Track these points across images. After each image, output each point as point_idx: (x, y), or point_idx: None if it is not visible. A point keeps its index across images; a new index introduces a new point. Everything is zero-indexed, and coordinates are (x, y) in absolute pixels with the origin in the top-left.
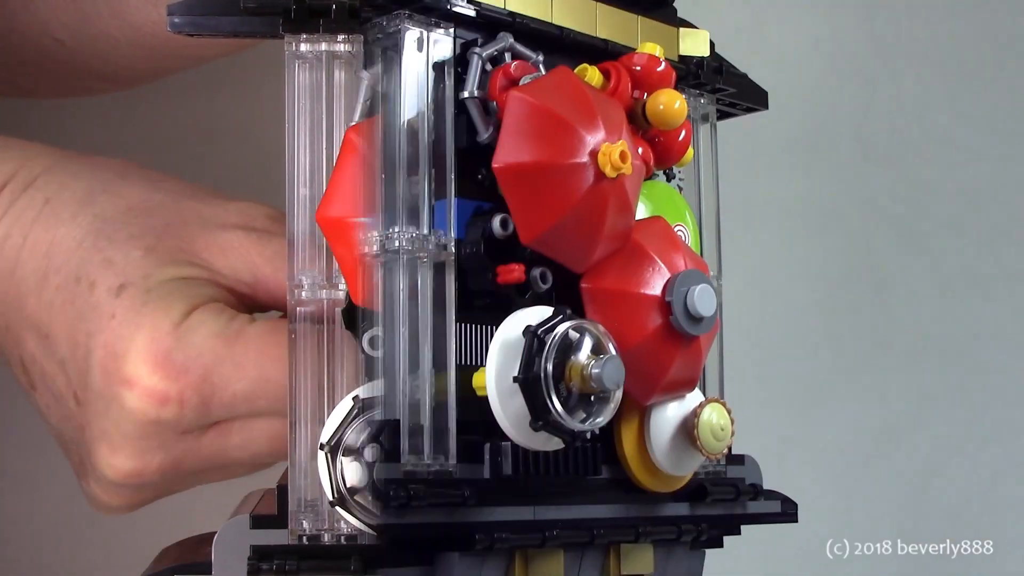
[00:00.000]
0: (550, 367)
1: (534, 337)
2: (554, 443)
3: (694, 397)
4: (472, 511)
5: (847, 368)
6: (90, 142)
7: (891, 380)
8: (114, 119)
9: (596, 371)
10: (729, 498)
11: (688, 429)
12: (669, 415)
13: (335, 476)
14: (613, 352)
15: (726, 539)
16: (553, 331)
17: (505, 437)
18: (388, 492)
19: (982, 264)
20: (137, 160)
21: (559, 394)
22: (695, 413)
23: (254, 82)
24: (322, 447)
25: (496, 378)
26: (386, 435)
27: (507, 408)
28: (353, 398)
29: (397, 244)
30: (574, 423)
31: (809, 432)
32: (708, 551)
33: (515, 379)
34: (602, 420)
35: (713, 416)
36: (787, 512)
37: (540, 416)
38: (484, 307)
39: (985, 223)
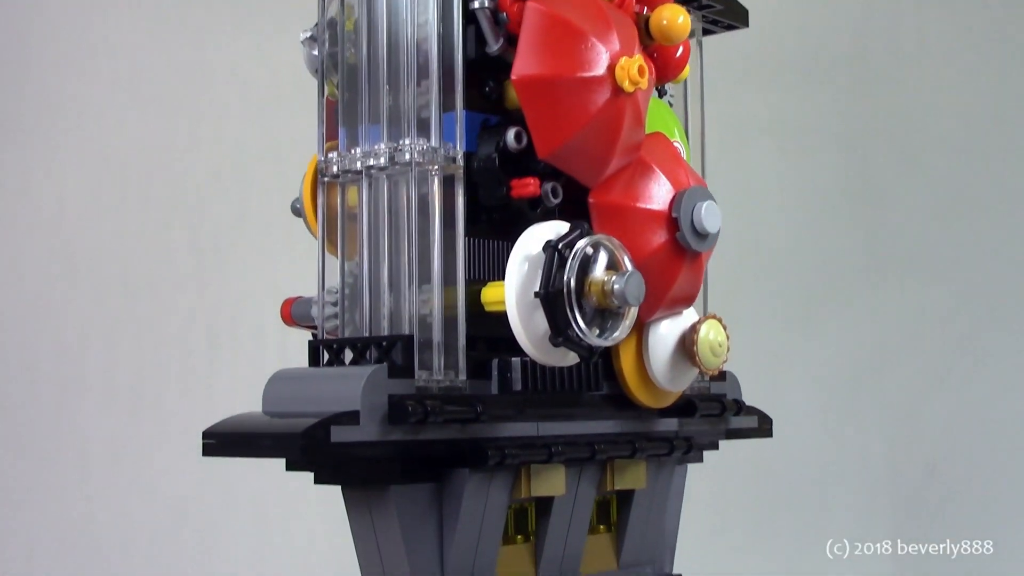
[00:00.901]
0: (572, 282)
1: (555, 252)
2: (570, 359)
3: (690, 314)
4: (483, 427)
5: (841, 286)
6: None
7: (885, 298)
8: None
9: (619, 287)
10: (715, 413)
11: (687, 346)
12: (667, 332)
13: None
14: (631, 267)
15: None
16: (574, 246)
17: (512, 353)
18: (406, 408)
19: (979, 183)
20: None
21: (581, 310)
22: (694, 330)
23: None
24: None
25: (516, 293)
26: (399, 351)
27: (526, 323)
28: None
29: (408, 157)
30: (593, 338)
31: (802, 350)
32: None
33: (536, 294)
34: (619, 335)
35: (711, 333)
36: (763, 428)
37: (561, 331)
38: (493, 222)
39: (982, 142)
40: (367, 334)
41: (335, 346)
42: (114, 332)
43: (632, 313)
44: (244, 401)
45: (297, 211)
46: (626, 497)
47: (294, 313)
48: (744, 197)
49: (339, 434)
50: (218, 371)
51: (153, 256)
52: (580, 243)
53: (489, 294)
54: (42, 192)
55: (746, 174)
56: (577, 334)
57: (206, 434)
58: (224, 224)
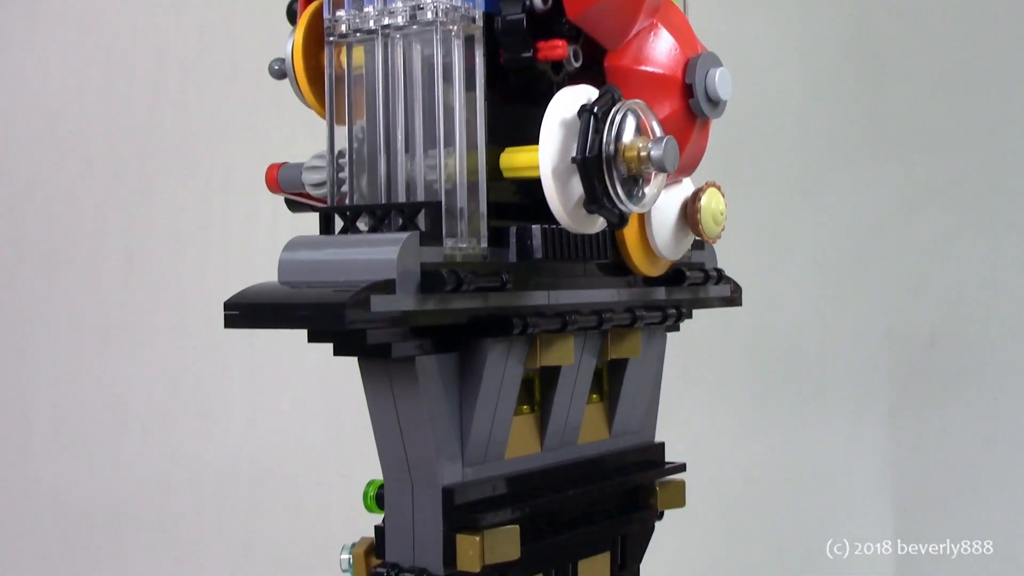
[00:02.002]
0: (611, 147)
1: (591, 117)
2: (598, 225)
3: (687, 183)
4: (506, 296)
5: (842, 156)
6: None
7: (886, 170)
8: None
9: (656, 153)
10: (699, 282)
11: (690, 214)
12: (669, 200)
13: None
14: (661, 133)
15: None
16: (610, 111)
17: (528, 220)
18: (442, 276)
19: (985, 54)
20: None
21: (617, 175)
22: (696, 198)
23: None
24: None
25: (551, 158)
26: (425, 217)
27: (561, 189)
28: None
29: (430, 16)
30: (628, 204)
31: (801, 221)
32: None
33: (573, 160)
34: (647, 202)
35: (712, 201)
36: (734, 297)
37: (596, 198)
38: (515, 84)
39: (989, 11)
40: (383, 200)
41: (349, 213)
42: (103, 203)
43: (662, 180)
44: (238, 270)
45: (279, 72)
46: (616, 367)
47: (281, 179)
48: (744, 64)
49: (379, 303)
50: (209, 241)
51: (140, 123)
52: (616, 108)
53: (518, 159)
54: (24, 58)
55: (745, 40)
56: (613, 200)
57: (228, 305)
58: (213, 88)
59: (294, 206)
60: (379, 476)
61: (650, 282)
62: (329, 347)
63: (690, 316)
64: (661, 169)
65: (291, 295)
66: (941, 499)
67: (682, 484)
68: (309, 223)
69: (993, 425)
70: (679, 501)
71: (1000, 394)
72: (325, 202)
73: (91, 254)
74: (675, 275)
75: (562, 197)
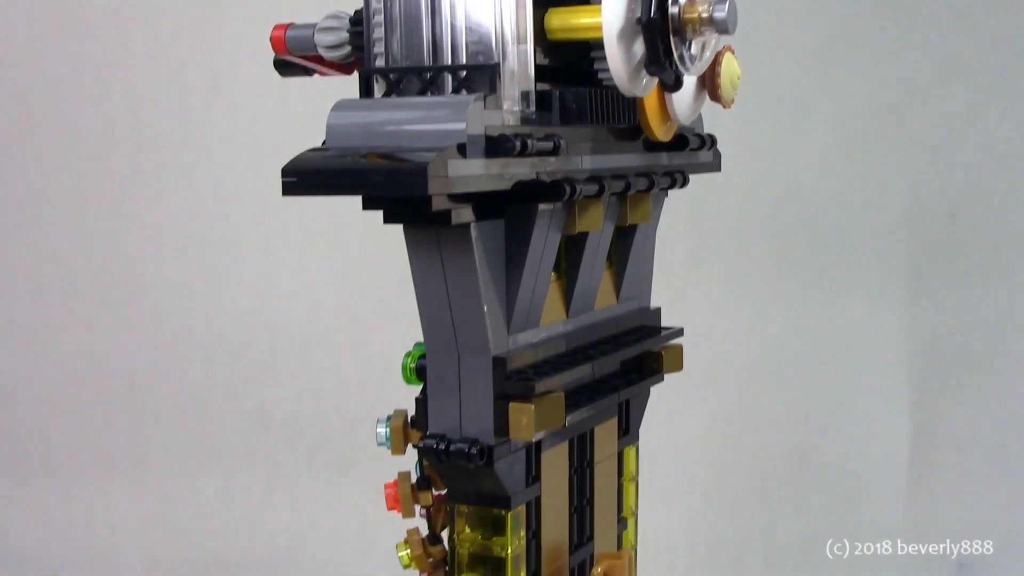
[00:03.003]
0: (675, 8)
1: None
2: (648, 87)
3: None
4: (553, 160)
5: (866, 26)
6: None
7: (911, 41)
8: None
9: (720, 14)
10: (697, 147)
11: (710, 78)
12: None
13: None
14: None
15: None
16: None
17: (569, 83)
18: (508, 140)
19: None
20: None
21: (678, 38)
22: (716, 62)
23: None
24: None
25: (615, 19)
26: (481, 79)
27: (624, 51)
28: None
29: None
30: (686, 66)
31: (822, 92)
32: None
33: (638, 20)
34: (702, 66)
35: (730, 66)
36: (715, 163)
37: (658, 59)
38: None
39: None
40: (428, 62)
41: (393, 76)
42: (109, 73)
43: (718, 43)
44: (247, 139)
45: None
46: (625, 233)
47: (290, 42)
48: None
49: (454, 168)
50: (217, 110)
51: None
52: None
53: (574, 20)
54: None
55: None
56: (674, 62)
57: (286, 171)
58: None
59: (284, 68)
60: (396, 343)
61: (652, 147)
62: (341, 214)
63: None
64: (723, 31)
65: (357, 160)
66: (958, 376)
67: (680, 349)
68: (318, 89)
69: (1012, 300)
70: (678, 365)
71: (1020, 268)
72: (334, 65)
73: (99, 124)
74: (678, 140)
75: (624, 58)
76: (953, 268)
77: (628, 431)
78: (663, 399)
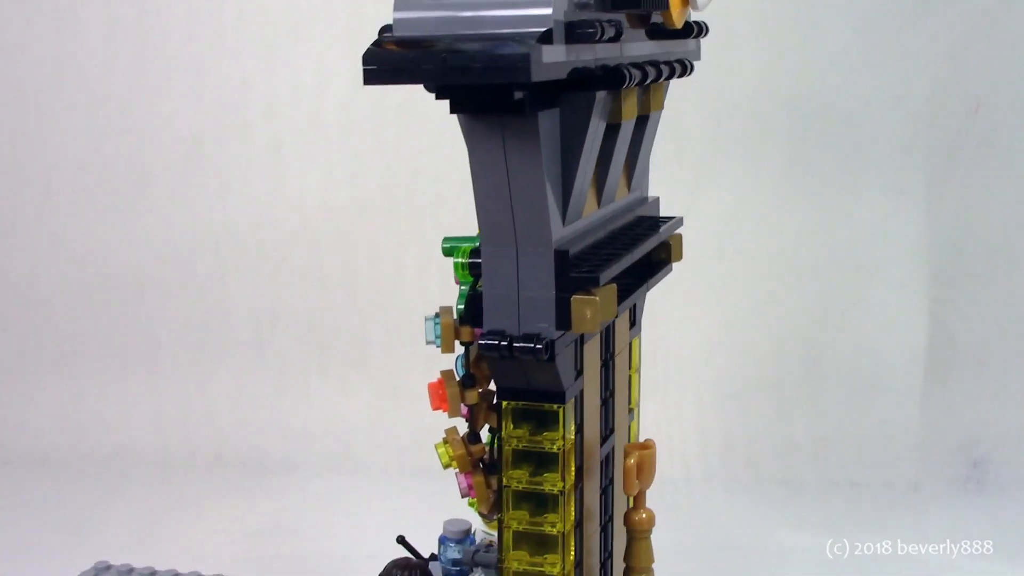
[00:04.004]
0: None
1: None
2: None
3: None
4: (609, 47)
5: None
6: None
7: None
8: None
9: None
10: (699, 35)
11: None
12: None
13: None
14: None
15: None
16: None
17: None
18: (592, 25)
19: None
20: None
21: None
22: None
23: None
24: None
25: None
26: None
27: None
28: None
29: None
30: None
31: None
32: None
33: None
34: None
35: None
36: (696, 51)
37: None
38: None
39: None
40: None
41: None
42: None
43: None
44: (256, 37)
45: None
46: (639, 122)
47: None
48: None
49: (549, 54)
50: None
51: None
52: None
53: None
54: None
55: None
56: None
57: (367, 59)
58: None
59: None
60: (407, 239)
61: (658, 35)
62: (351, 110)
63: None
64: None
65: (449, 47)
66: (978, 273)
67: (680, 238)
68: None
69: None
70: (680, 255)
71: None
72: None
73: (104, 19)
74: (687, 28)
75: None
76: (975, 163)
77: (634, 323)
78: (678, 295)
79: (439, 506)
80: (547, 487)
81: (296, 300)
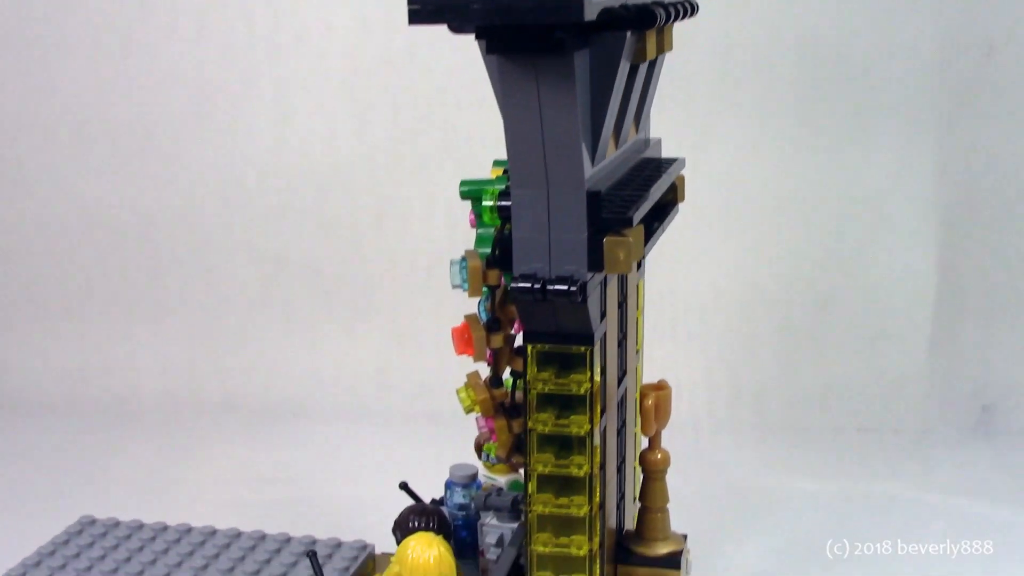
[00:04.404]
0: None
1: None
2: None
3: None
4: None
5: None
6: None
7: None
8: None
9: None
10: None
11: None
12: None
13: None
14: None
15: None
16: None
17: None
18: None
19: None
20: None
21: None
22: None
23: None
24: None
25: None
26: None
27: None
28: None
29: None
30: None
31: None
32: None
33: None
34: None
35: None
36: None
37: None
38: None
39: None
40: None
41: None
42: None
43: None
44: None
45: None
46: (651, 64)
47: None
48: None
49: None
50: None
51: None
52: None
53: None
54: None
55: None
56: None
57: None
58: None
59: None
60: (413, 186)
61: None
62: (357, 54)
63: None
64: None
65: None
66: (989, 219)
67: (683, 179)
68: None
69: None
70: (682, 196)
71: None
72: None
73: None
74: None
75: None
76: (989, 107)
77: (640, 264)
78: (686, 241)
79: (443, 452)
80: (573, 429)
81: (303, 246)
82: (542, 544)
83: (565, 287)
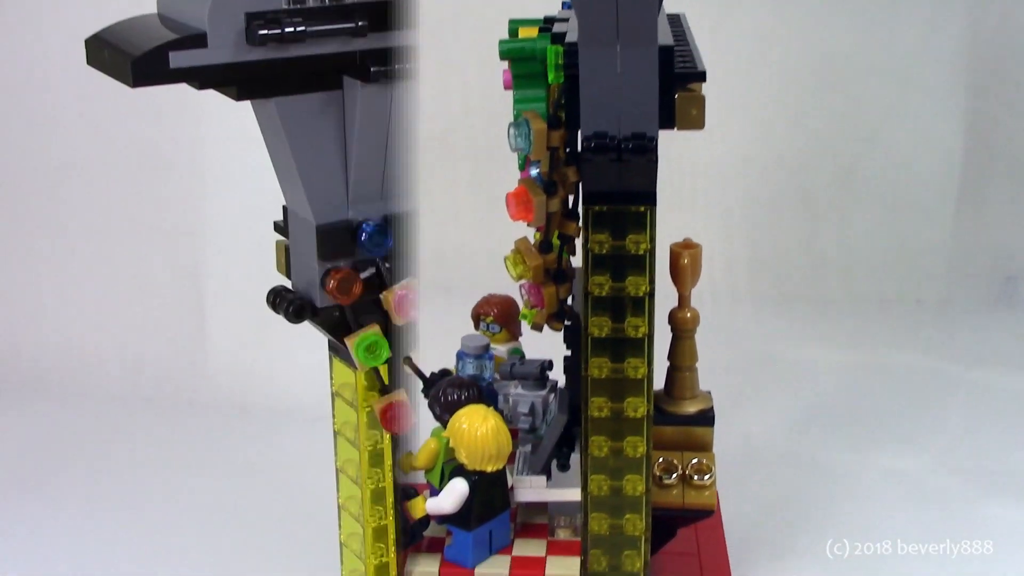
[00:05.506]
0: None
1: None
2: None
3: None
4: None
5: None
6: None
7: None
8: None
9: None
10: None
11: None
12: None
13: None
14: None
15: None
16: None
17: None
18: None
19: None
20: None
21: None
22: None
23: None
24: None
25: None
26: None
27: None
28: None
29: None
30: None
31: None
32: None
33: None
34: None
35: None
36: None
37: None
38: None
39: None
40: None
41: None
42: None
43: None
44: None
45: None
46: None
47: None
48: None
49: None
50: None
51: None
52: None
53: None
54: None
55: None
56: None
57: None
58: None
59: None
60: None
61: None
62: None
63: None
64: None
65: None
66: (1018, 85)
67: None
68: None
69: None
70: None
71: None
72: None
73: None
74: None
75: None
76: None
77: None
78: (709, 108)
79: (446, 327)
80: (630, 290)
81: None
82: (597, 409)
83: (642, 144)
